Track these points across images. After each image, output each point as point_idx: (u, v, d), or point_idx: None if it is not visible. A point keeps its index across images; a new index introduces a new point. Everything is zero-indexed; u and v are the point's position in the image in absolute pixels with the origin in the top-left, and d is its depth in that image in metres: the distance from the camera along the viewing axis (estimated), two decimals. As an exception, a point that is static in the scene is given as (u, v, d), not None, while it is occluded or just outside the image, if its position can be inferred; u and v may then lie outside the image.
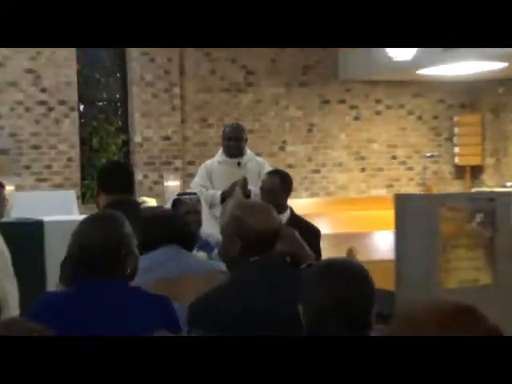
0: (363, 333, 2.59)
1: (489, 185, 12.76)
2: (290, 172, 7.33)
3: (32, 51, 11.62)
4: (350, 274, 2.70)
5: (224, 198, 7.29)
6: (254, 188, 7.31)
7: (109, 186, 5.22)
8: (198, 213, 6.18)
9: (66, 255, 4.13)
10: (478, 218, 6.84)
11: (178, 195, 7.26)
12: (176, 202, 6.40)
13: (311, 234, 6.30)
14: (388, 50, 10.08)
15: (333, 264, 2.94)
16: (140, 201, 11.06)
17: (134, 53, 12.21)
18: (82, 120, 12.24)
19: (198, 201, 6.42)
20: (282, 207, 6.24)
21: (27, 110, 11.71)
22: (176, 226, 5.00)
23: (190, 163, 12.00)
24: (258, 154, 8.93)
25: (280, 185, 6.50)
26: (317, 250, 6.02)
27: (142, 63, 12.26)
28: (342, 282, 2.62)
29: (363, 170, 13.13)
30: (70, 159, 11.76)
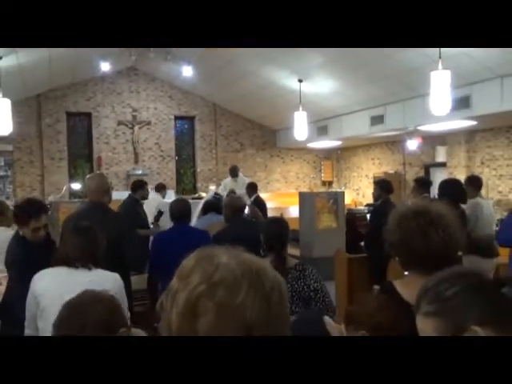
0: (284, 244, 2.59)
1: (335, 188, 12.77)
2: (258, 183, 7.98)
3: (157, 134, 11.77)
4: (280, 221, 2.75)
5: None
6: (239, 190, 7.42)
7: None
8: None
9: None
10: (331, 201, 7.28)
11: (215, 193, 7.82)
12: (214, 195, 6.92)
13: (264, 205, 7.02)
14: (296, 134, 9.31)
15: (273, 218, 3.18)
16: (199, 193, 11.26)
17: (197, 134, 12.26)
18: (176, 162, 12.19)
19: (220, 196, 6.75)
20: (252, 193, 6.93)
21: (155, 158, 11.77)
22: (214, 205, 5.05)
23: (219, 180, 11.69)
24: (246, 176, 9.17)
25: (249, 187, 7.11)
26: (266, 212, 6.76)
27: (200, 141, 12.27)
28: (277, 225, 2.68)
29: (286, 182, 13.05)
30: (171, 178, 11.91)
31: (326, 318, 1.52)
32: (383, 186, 5.08)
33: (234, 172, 8.32)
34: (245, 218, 4.18)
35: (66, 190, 9.85)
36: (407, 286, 1.51)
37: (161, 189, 6.88)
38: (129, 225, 3.09)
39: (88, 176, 3.37)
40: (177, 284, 0.72)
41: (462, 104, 7.22)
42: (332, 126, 10.67)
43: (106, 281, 2.25)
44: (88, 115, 11.43)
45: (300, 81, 8.97)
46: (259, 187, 11.24)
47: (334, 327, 1.47)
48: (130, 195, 5.50)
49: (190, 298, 0.69)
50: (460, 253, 3.74)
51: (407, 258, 1.53)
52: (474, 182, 4.58)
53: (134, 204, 5.27)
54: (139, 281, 3.37)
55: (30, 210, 2.66)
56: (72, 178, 11.04)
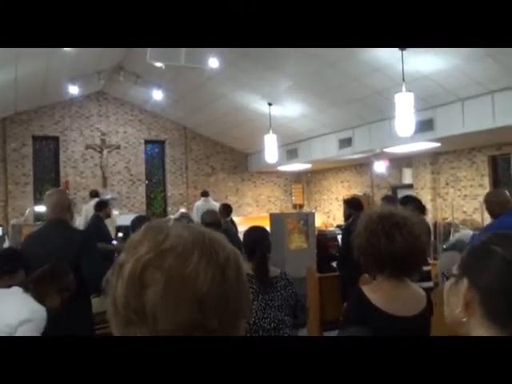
0: (265, 251, 2.56)
1: (306, 210, 12.58)
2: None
3: (126, 158, 11.68)
4: (260, 229, 2.78)
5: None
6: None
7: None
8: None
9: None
10: (302, 222, 7.50)
11: (182, 213, 7.88)
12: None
13: (234, 224, 7.04)
14: (266, 156, 9.35)
15: (253, 226, 2.96)
16: (168, 217, 11.48)
17: (167, 158, 12.20)
18: (146, 186, 12.05)
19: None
20: (227, 216, 6.68)
21: (124, 182, 11.61)
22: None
23: (190, 204, 11.72)
24: (215, 200, 9.28)
25: (223, 208, 6.83)
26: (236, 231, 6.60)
27: (170, 165, 12.16)
28: (257, 232, 2.71)
29: (258, 205, 13.05)
30: (141, 202, 11.70)
31: None
32: (353, 204, 5.12)
33: (205, 196, 8.67)
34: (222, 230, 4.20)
35: (29, 213, 9.54)
36: (375, 291, 1.56)
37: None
38: (89, 242, 2.91)
39: (47, 192, 3.15)
40: (124, 256, 0.65)
41: (425, 126, 7.44)
42: (302, 149, 10.77)
43: (26, 308, 2.06)
44: (55, 139, 11.21)
45: (270, 104, 9.08)
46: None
47: None
48: (94, 214, 6.11)
49: (136, 267, 0.62)
50: (428, 267, 3.83)
51: (374, 261, 1.56)
52: None
53: (97, 222, 5.83)
54: (101, 303, 3.20)
55: (3, 266, 2.43)
56: (37, 203, 10.69)
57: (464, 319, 0.85)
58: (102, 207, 6.25)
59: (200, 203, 8.54)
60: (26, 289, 2.15)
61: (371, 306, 1.47)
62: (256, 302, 2.39)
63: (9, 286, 2.37)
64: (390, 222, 1.52)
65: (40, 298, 2.14)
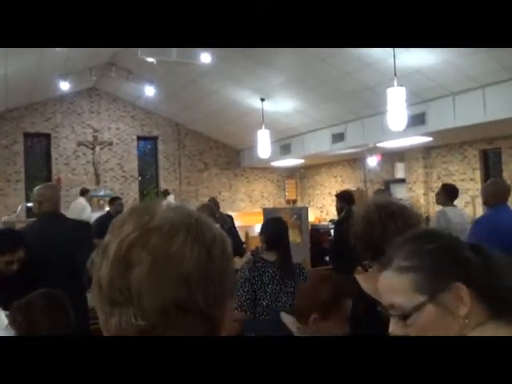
0: (286, 242, 2.64)
1: (299, 205, 12.52)
2: (222, 203, 7.97)
3: (119, 154, 11.57)
4: (280, 221, 2.86)
5: None
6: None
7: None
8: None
9: None
10: (295, 216, 7.42)
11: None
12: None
13: (232, 218, 6.91)
14: (259, 152, 9.34)
15: (274, 218, 3.13)
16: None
17: (160, 155, 12.29)
18: (139, 183, 12.00)
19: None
20: (218, 210, 6.57)
21: (117, 179, 11.55)
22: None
23: (183, 200, 11.82)
24: (211, 197, 9.30)
25: (214, 203, 6.70)
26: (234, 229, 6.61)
27: (163, 161, 12.13)
28: (278, 224, 2.79)
29: (251, 201, 13.04)
30: (134, 199, 11.63)
31: (283, 315, 1.62)
32: (344, 198, 5.16)
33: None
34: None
35: (21, 209, 9.48)
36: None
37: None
38: (87, 235, 2.85)
39: (40, 186, 3.02)
40: (108, 237, 0.65)
41: (417, 120, 7.48)
42: (295, 145, 10.78)
43: None
44: (47, 136, 11.12)
45: (262, 100, 9.08)
46: (224, 207, 11.31)
47: (289, 321, 1.55)
48: (107, 211, 6.68)
49: (121, 246, 0.62)
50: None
51: (369, 250, 1.57)
52: (447, 190, 4.91)
53: (106, 217, 6.13)
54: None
55: (7, 242, 2.45)
56: (29, 200, 10.62)
57: (466, 321, 0.83)
58: (111, 203, 6.53)
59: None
60: (14, 321, 1.79)
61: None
62: (271, 285, 2.55)
63: (10, 263, 2.41)
64: (387, 212, 1.53)
65: (26, 332, 1.74)
